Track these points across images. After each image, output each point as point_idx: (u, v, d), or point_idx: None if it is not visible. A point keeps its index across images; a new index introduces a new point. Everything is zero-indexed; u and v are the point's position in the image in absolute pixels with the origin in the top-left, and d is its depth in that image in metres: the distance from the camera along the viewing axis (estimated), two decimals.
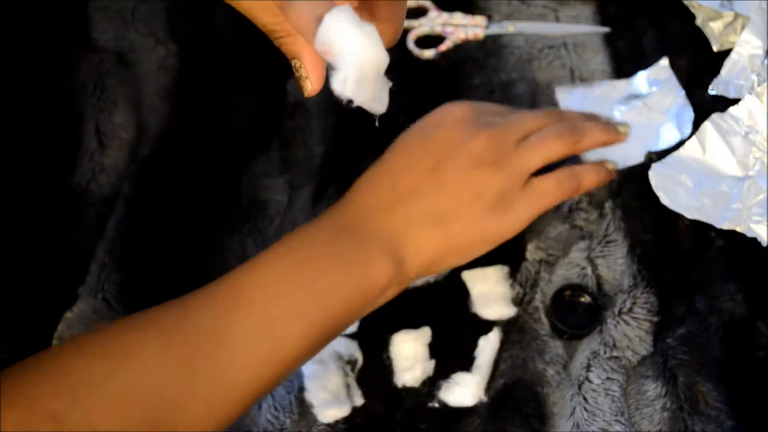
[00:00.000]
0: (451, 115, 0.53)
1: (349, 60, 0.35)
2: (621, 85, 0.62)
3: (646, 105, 0.61)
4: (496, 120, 0.53)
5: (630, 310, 0.54)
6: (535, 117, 0.55)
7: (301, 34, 0.37)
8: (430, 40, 0.66)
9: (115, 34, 0.67)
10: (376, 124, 0.39)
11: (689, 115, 0.60)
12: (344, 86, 0.35)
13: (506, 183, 0.50)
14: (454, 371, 0.53)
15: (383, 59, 0.36)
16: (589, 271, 0.56)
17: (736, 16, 0.62)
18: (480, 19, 0.66)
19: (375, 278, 0.46)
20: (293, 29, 0.39)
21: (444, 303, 0.56)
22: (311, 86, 0.41)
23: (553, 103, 0.63)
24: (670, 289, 0.55)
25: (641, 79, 0.62)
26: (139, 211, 0.60)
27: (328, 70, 0.36)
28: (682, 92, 0.61)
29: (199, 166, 0.62)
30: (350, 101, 0.36)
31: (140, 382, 0.38)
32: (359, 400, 0.53)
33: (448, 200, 0.49)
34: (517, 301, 0.55)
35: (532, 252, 0.57)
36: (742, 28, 0.62)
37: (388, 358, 0.54)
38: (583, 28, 0.66)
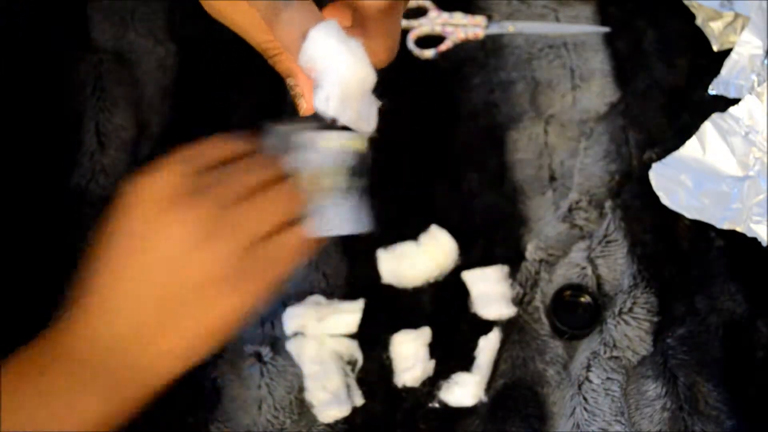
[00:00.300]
0: (149, 200, 0.41)
1: (333, 77, 0.34)
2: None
3: None
4: (207, 177, 0.41)
5: (630, 310, 0.54)
6: (258, 168, 0.43)
7: (287, 51, 0.38)
8: (430, 40, 0.66)
9: (114, 34, 0.66)
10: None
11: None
12: (327, 105, 0.34)
13: (226, 253, 0.40)
14: (454, 371, 0.53)
15: (369, 77, 0.35)
16: (589, 271, 0.56)
17: (736, 16, 0.62)
18: (480, 19, 0.66)
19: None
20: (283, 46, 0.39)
21: (444, 303, 0.56)
22: (306, 105, 0.42)
23: (552, 104, 0.63)
24: (670, 289, 0.55)
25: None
26: None
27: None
28: None
29: None
30: (334, 120, 0.35)
31: None
32: (359, 400, 0.53)
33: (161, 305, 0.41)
34: (517, 301, 0.55)
35: (532, 252, 0.57)
36: (742, 28, 0.62)
37: (388, 358, 0.54)
38: (583, 28, 0.66)
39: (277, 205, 0.42)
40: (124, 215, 0.42)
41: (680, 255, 0.56)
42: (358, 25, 0.40)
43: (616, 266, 0.56)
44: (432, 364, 0.54)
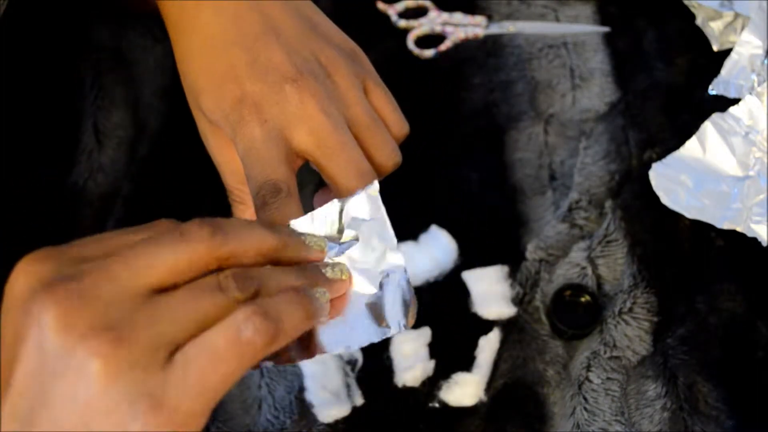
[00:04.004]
0: (7, 302, 0.30)
1: None
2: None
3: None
4: (90, 264, 0.30)
5: (630, 310, 0.54)
6: (162, 246, 0.31)
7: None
8: (430, 40, 0.66)
9: (113, 32, 0.66)
10: None
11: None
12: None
13: (120, 371, 0.28)
14: (454, 371, 0.53)
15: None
16: (589, 271, 0.56)
17: (736, 15, 0.62)
18: (480, 19, 0.66)
19: None
20: (249, 200, 0.40)
21: (444, 303, 0.56)
22: None
23: (552, 104, 0.63)
24: (670, 289, 0.55)
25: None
26: (137, 211, 0.59)
27: None
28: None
29: (197, 166, 0.61)
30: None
31: None
32: (359, 400, 0.53)
33: None
34: (517, 301, 0.55)
35: (532, 252, 0.57)
36: (742, 28, 0.62)
37: (388, 358, 0.54)
38: (583, 28, 0.66)
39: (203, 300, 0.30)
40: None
41: (680, 255, 0.56)
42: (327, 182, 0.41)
43: (616, 266, 0.56)
44: (432, 364, 0.54)
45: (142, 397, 0.28)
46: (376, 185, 0.39)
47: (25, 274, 0.30)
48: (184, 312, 0.30)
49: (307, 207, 0.39)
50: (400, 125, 0.44)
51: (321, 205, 0.39)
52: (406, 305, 0.36)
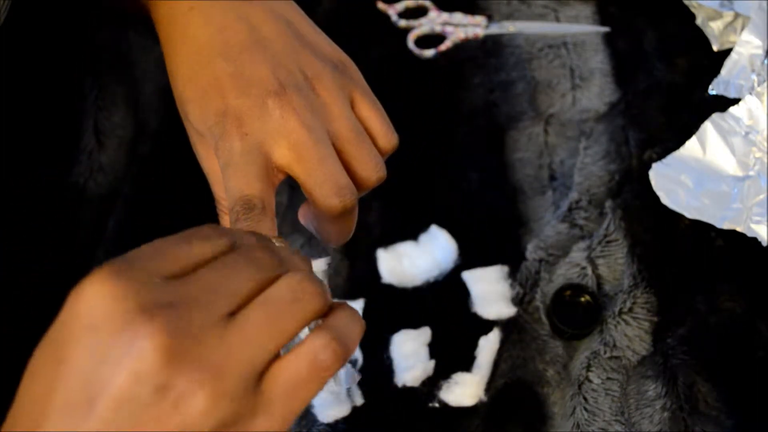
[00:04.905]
0: (87, 320, 0.28)
1: None
2: None
3: None
4: (177, 288, 0.29)
5: (630, 310, 0.54)
6: (250, 264, 0.31)
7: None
8: (430, 40, 0.66)
9: (113, 33, 0.66)
10: None
11: None
12: None
13: (219, 403, 0.28)
14: (454, 371, 0.53)
15: None
16: (589, 271, 0.56)
17: (736, 15, 0.62)
18: (480, 19, 0.66)
19: None
20: None
21: (444, 303, 0.56)
22: None
23: (552, 104, 0.63)
24: (670, 289, 0.55)
25: None
26: (138, 211, 0.59)
27: None
28: None
29: (198, 166, 0.61)
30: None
31: None
32: (359, 400, 0.53)
33: None
34: (517, 301, 0.55)
35: (532, 252, 0.57)
36: (742, 28, 0.62)
37: (388, 358, 0.54)
38: (583, 28, 0.66)
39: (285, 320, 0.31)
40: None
41: (680, 255, 0.56)
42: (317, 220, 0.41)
43: (616, 266, 0.56)
44: (432, 364, 0.54)
45: (236, 425, 0.29)
46: (321, 263, 0.38)
47: (107, 293, 0.28)
48: (269, 336, 0.30)
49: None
50: (387, 138, 0.43)
51: (306, 219, 0.40)
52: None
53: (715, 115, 0.58)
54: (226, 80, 0.41)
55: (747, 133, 0.58)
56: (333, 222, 0.41)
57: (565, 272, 0.56)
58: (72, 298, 0.29)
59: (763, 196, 0.55)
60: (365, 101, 0.43)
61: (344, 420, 0.52)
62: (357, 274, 0.57)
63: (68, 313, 0.29)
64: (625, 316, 0.54)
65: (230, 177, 0.40)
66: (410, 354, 0.54)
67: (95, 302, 0.28)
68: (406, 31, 0.66)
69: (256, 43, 0.42)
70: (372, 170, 0.42)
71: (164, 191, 0.60)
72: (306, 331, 0.33)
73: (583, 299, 0.55)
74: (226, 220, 0.44)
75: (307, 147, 0.40)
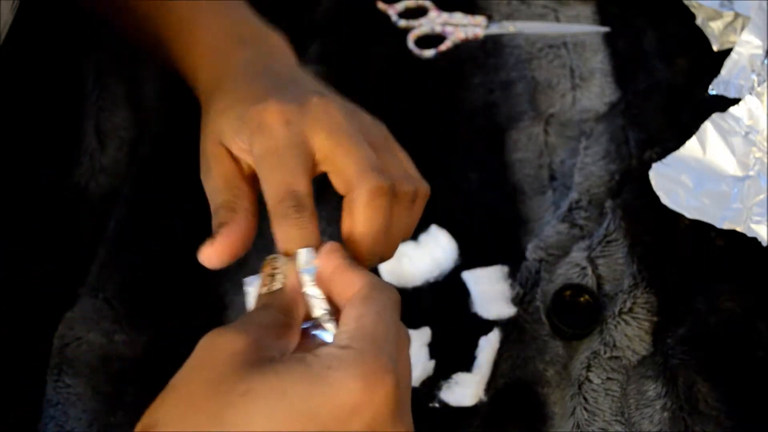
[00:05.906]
0: (372, 404, 0.33)
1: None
2: None
3: None
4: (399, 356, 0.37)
5: (630, 310, 0.54)
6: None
7: None
8: (430, 40, 0.66)
9: (114, 33, 0.66)
10: None
11: None
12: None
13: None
14: (454, 371, 0.53)
15: None
16: (589, 271, 0.56)
17: (736, 15, 0.62)
18: (480, 19, 0.66)
19: None
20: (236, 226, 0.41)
21: (444, 303, 0.56)
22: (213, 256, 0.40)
23: (552, 104, 0.63)
24: (670, 289, 0.55)
25: None
26: (138, 211, 0.60)
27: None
28: None
29: (198, 166, 0.62)
30: None
31: None
32: None
33: None
34: (517, 301, 0.55)
35: (532, 252, 0.57)
36: (742, 28, 0.62)
37: None
38: (583, 28, 0.66)
39: None
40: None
41: (680, 255, 0.56)
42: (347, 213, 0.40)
43: (616, 266, 0.56)
44: (432, 364, 0.54)
45: None
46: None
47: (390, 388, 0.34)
48: None
49: None
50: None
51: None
52: None
53: (715, 115, 0.58)
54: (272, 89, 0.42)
55: (747, 133, 0.58)
56: (364, 210, 0.39)
57: (565, 272, 0.56)
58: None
59: (763, 196, 0.56)
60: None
61: None
62: None
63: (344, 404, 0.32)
64: (625, 316, 0.54)
65: (274, 167, 0.39)
66: (410, 354, 0.53)
67: (381, 396, 0.33)
68: (406, 31, 0.66)
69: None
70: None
71: (164, 191, 0.60)
72: (327, 328, 0.37)
73: (583, 299, 0.55)
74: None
75: (348, 134, 0.40)
